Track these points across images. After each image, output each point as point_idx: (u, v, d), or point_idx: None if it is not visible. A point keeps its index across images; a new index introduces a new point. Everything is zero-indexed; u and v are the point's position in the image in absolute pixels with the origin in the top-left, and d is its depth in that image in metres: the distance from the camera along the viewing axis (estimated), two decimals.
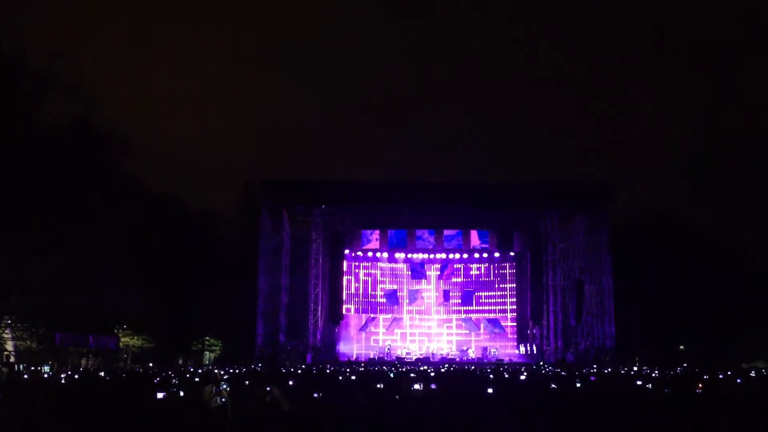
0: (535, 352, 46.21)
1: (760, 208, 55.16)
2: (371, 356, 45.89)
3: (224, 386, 9.34)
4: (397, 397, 12.05)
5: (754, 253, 50.27)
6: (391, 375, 21.51)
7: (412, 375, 20.64)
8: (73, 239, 32.51)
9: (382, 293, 49.79)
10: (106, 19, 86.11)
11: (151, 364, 36.46)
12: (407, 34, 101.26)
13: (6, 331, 34.61)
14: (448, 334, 48.92)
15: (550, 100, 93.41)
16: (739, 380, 17.54)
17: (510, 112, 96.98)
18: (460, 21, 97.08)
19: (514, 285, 49.23)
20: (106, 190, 34.99)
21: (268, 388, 9.73)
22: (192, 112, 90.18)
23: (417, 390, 12.30)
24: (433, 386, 13.62)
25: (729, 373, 24.49)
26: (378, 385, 14.60)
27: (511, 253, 49.29)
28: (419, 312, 49.80)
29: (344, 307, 48.35)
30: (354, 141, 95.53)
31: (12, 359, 32.74)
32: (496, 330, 49.05)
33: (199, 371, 26.48)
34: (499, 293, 49.64)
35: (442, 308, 49.73)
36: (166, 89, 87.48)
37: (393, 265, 49.95)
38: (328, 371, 26.98)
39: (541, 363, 40.83)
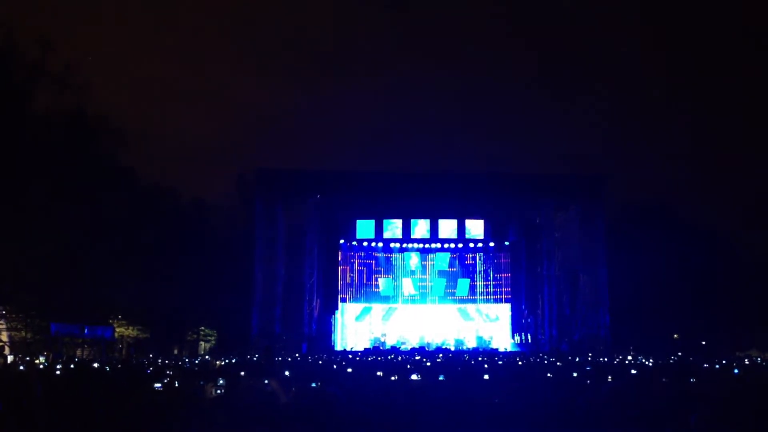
0: (530, 341, 46.37)
1: (753, 200, 55.29)
2: (367, 346, 45.96)
3: (221, 382, 9.31)
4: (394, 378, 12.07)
5: (748, 244, 50.44)
6: (386, 359, 21.54)
7: (408, 366, 20.67)
8: (67, 229, 32.39)
9: (377, 283, 49.82)
10: (98, 9, 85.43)
11: (151, 356, 36.41)
12: (401, 25, 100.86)
13: (0, 322, 34.50)
14: (443, 324, 48.94)
15: (544, 90, 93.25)
16: (736, 371, 17.60)
17: (505, 103, 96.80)
18: (453, 13, 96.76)
19: (509, 275, 49.40)
20: (99, 180, 34.82)
21: (265, 381, 9.71)
22: (186, 101, 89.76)
23: (415, 380, 12.30)
24: (441, 377, 13.61)
25: (724, 362, 24.63)
26: (378, 373, 14.65)
27: (506, 243, 49.45)
28: (414, 302, 49.84)
29: (339, 296, 48.44)
30: (349, 131, 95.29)
31: (6, 350, 32.64)
32: (491, 319, 49.19)
33: (195, 361, 26.48)
34: (494, 283, 49.75)
35: (437, 298, 49.79)
36: (160, 79, 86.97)
37: (388, 254, 49.94)
38: (321, 362, 26.98)
39: (539, 353, 40.94)
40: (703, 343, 43.19)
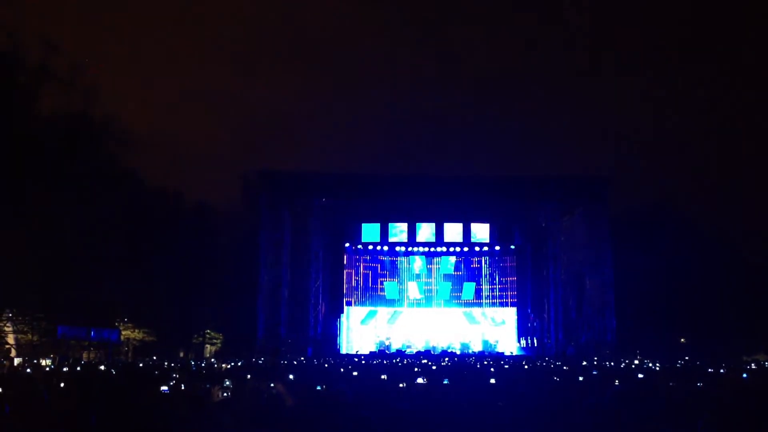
0: (536, 344, 46.29)
1: (759, 202, 55.14)
2: (372, 349, 45.95)
3: (227, 383, 9.33)
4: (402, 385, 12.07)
5: (755, 245, 50.24)
6: (391, 363, 21.52)
7: (415, 369, 20.66)
8: (72, 231, 32.46)
9: (383, 286, 49.82)
10: (103, 11, 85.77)
11: (155, 358, 36.49)
12: (405, 26, 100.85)
13: (7, 324, 34.57)
14: (448, 328, 48.89)
15: (549, 92, 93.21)
16: (745, 375, 17.53)
17: (510, 105, 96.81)
18: (457, 14, 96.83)
19: (515, 278, 49.33)
20: (104, 183, 34.87)
21: (271, 384, 9.72)
22: (191, 104, 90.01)
23: (420, 384, 12.30)
24: (446, 381, 13.61)
25: (731, 366, 24.52)
26: (382, 377, 14.64)
27: (512, 246, 49.38)
28: (420, 305, 49.81)
29: (345, 300, 48.44)
30: (354, 133, 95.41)
31: (13, 353, 32.72)
32: (497, 323, 49.12)
33: (201, 364, 26.52)
34: (499, 286, 49.70)
35: (442, 301, 49.76)
36: (165, 82, 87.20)
37: (393, 258, 49.95)
38: (326, 365, 26.99)
39: (545, 357, 40.86)
40: (712, 348, 42.94)
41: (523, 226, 48.93)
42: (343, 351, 45.90)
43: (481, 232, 49.08)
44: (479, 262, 50.07)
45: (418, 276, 50.13)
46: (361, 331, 48.76)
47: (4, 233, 29.12)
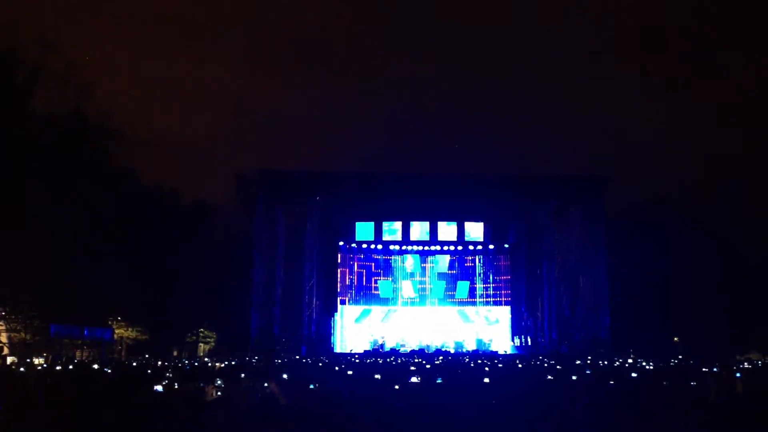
0: (529, 343, 46.37)
1: (755, 202, 55.31)
2: (366, 348, 45.94)
3: (218, 382, 9.32)
4: (396, 387, 12.06)
5: (750, 246, 50.42)
6: (385, 362, 21.51)
7: (412, 368, 20.65)
8: (66, 230, 32.35)
9: (377, 285, 49.82)
10: (99, 10, 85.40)
11: (147, 356, 36.40)
12: (401, 25, 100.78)
13: (0, 323, 34.43)
14: (442, 326, 48.92)
15: (549, 92, 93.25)
16: (738, 374, 17.58)
17: (505, 104, 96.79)
18: (453, 13, 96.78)
19: (509, 277, 49.42)
20: (99, 181, 34.77)
21: (265, 384, 9.71)
22: (187, 103, 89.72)
23: (414, 383, 12.29)
24: (439, 380, 13.61)
25: (724, 365, 24.58)
26: (376, 376, 14.63)
27: (506, 245, 49.49)
28: (414, 304, 49.83)
29: (339, 299, 48.44)
30: (349, 132, 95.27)
31: (6, 351, 32.60)
32: (491, 322, 49.18)
33: (195, 363, 26.44)
34: (493, 285, 49.78)
35: (436, 300, 49.79)
36: (161, 80, 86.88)
37: (387, 257, 49.95)
38: (320, 364, 26.97)
39: (540, 357, 40.91)
40: (706, 348, 43.05)
41: (517, 225, 49.05)
42: (337, 350, 45.90)
43: (475, 230, 49.20)
44: (473, 261, 50.13)
45: (412, 275, 50.15)
46: (355, 329, 48.75)
47: None
